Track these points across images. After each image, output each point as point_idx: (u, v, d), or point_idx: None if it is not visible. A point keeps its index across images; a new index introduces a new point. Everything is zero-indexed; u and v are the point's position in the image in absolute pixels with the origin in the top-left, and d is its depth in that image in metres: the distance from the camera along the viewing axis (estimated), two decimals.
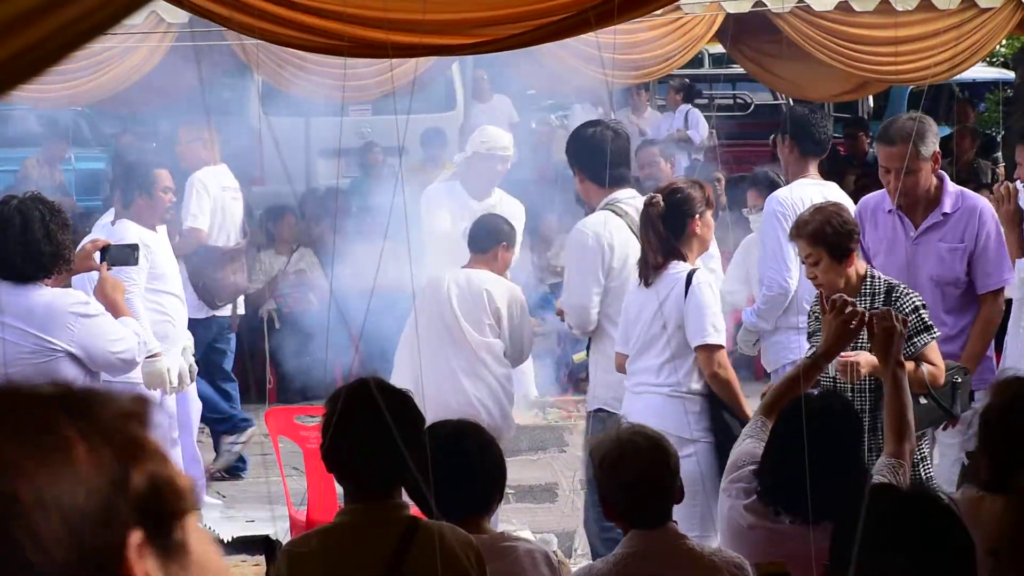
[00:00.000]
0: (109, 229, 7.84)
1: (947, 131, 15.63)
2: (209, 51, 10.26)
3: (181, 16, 9.23)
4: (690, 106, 16.03)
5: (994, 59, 20.38)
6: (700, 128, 15.78)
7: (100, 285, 6.34)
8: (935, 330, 5.77)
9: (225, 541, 8.14)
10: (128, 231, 7.68)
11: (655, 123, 15.94)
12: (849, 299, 5.04)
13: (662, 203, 6.21)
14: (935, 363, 5.70)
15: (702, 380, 6.09)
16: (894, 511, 2.96)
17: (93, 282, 6.55)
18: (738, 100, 18.37)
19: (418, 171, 12.92)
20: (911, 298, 5.71)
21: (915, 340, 5.63)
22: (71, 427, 1.35)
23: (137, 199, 7.83)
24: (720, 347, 6.14)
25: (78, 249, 6.54)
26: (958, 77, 13.16)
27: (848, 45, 10.74)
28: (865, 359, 5.57)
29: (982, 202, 6.59)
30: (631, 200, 6.75)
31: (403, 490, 3.85)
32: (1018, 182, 7.48)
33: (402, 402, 3.76)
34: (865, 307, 5.57)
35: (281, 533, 7.28)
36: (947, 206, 6.49)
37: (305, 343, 11.08)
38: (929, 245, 6.52)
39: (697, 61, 16.48)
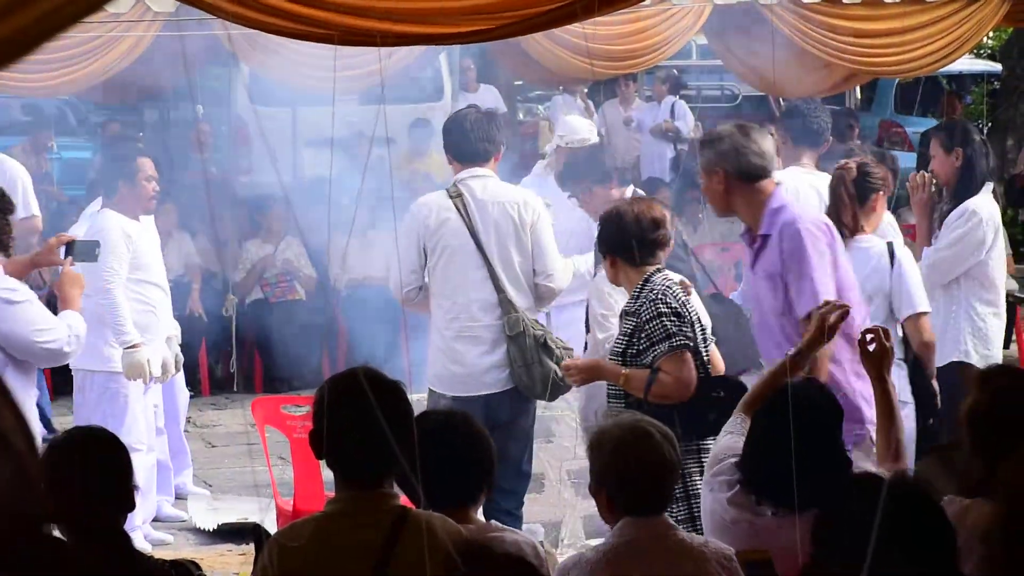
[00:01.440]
0: (94, 218, 7.82)
1: (934, 123, 15.66)
2: (195, 40, 10.23)
3: (167, 5, 9.20)
4: (676, 97, 16.04)
5: (981, 51, 20.40)
6: (687, 119, 15.78)
7: (61, 279, 6.33)
8: (678, 340, 5.55)
9: (210, 530, 8.15)
10: (109, 221, 7.66)
11: (641, 114, 15.95)
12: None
13: (855, 170, 6.55)
14: (672, 374, 5.53)
15: (901, 348, 6.37)
16: (876, 500, 2.96)
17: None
18: (725, 91, 18.39)
19: (406, 161, 12.92)
20: (656, 305, 5.60)
21: (653, 348, 5.57)
22: None
23: (121, 188, 7.79)
24: (928, 314, 6.51)
25: (44, 243, 6.51)
26: (945, 69, 13.17)
27: (835, 37, 10.74)
28: (584, 362, 5.87)
29: (790, 214, 5.54)
30: (472, 179, 6.78)
31: (393, 480, 3.84)
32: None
33: (393, 393, 3.75)
34: (630, 307, 5.69)
35: (268, 523, 7.28)
36: (764, 227, 5.56)
37: (292, 333, 11.08)
38: (757, 273, 5.67)
39: (685, 52, 16.47)
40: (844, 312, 4.92)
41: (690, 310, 5.67)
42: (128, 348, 7.55)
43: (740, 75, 13.14)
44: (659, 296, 5.61)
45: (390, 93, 11.40)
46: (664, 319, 5.56)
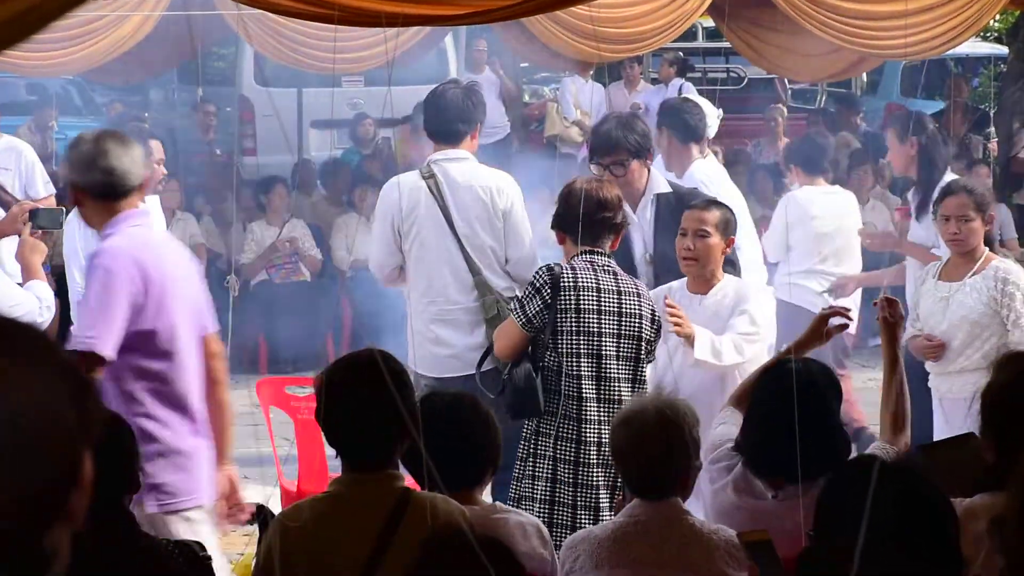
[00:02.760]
0: None
1: (941, 106, 15.64)
2: (201, 20, 10.23)
3: None
4: (683, 80, 16.00)
5: (987, 34, 20.34)
6: None
7: (20, 247, 6.35)
8: (514, 307, 5.78)
9: None
10: None
11: (647, 97, 15.91)
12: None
13: None
14: (498, 331, 5.88)
15: None
16: (878, 481, 2.95)
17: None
18: (731, 74, 18.36)
19: (409, 143, 12.89)
20: (534, 275, 5.76)
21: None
22: None
23: None
24: None
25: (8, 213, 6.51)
26: (952, 52, 13.12)
27: (843, 19, 10.73)
28: None
29: (107, 246, 4.94)
30: (447, 162, 6.69)
31: (399, 461, 3.84)
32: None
33: (397, 375, 3.75)
34: None
35: (272, 503, 7.29)
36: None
37: (296, 314, 11.09)
38: None
39: (691, 34, 16.43)
40: (846, 311, 5.02)
41: (569, 297, 5.60)
42: None
43: (749, 58, 13.13)
44: (542, 269, 5.68)
45: (394, 74, 11.39)
46: (528, 288, 5.71)
